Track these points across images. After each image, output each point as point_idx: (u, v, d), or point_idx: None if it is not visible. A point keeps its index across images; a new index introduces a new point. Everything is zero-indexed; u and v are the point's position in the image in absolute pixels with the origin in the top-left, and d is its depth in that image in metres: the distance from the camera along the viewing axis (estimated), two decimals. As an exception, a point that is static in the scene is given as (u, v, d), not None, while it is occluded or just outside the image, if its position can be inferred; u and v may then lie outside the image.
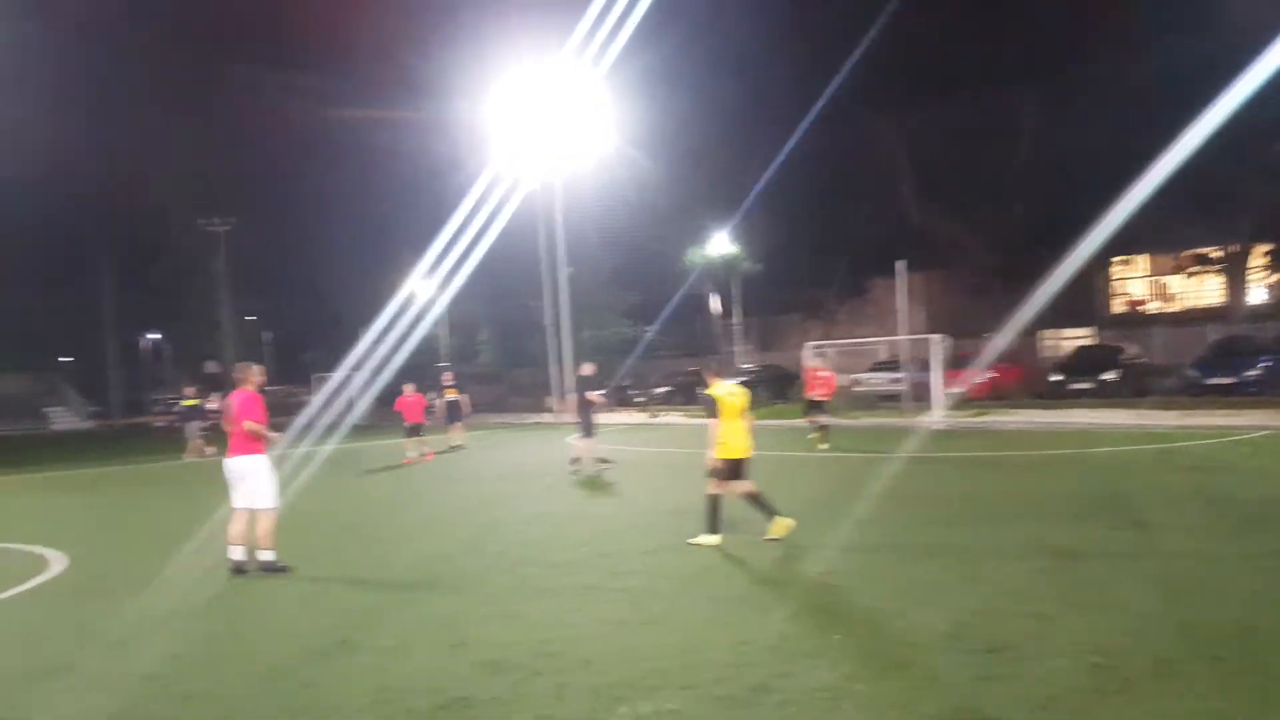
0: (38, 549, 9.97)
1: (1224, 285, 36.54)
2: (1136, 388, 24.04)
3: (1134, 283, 41.67)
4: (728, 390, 8.64)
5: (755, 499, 8.56)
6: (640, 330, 41.45)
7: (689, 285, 39.33)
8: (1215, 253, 35.93)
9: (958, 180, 35.08)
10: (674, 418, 29.21)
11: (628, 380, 37.15)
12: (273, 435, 8.26)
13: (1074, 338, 33.10)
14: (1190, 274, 38.56)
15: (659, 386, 36.91)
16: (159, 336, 67.33)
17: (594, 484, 13.87)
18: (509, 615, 6.52)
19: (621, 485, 13.49)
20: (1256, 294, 35.95)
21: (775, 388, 31.38)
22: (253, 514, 8.11)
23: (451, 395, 21.66)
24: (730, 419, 8.50)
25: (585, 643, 5.75)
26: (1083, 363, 27.38)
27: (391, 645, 5.96)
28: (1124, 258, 39.54)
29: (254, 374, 8.38)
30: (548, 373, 34.54)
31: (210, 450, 21.52)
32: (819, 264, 39.14)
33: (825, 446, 16.71)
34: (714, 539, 8.40)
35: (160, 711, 4.92)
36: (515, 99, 29.42)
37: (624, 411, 32.36)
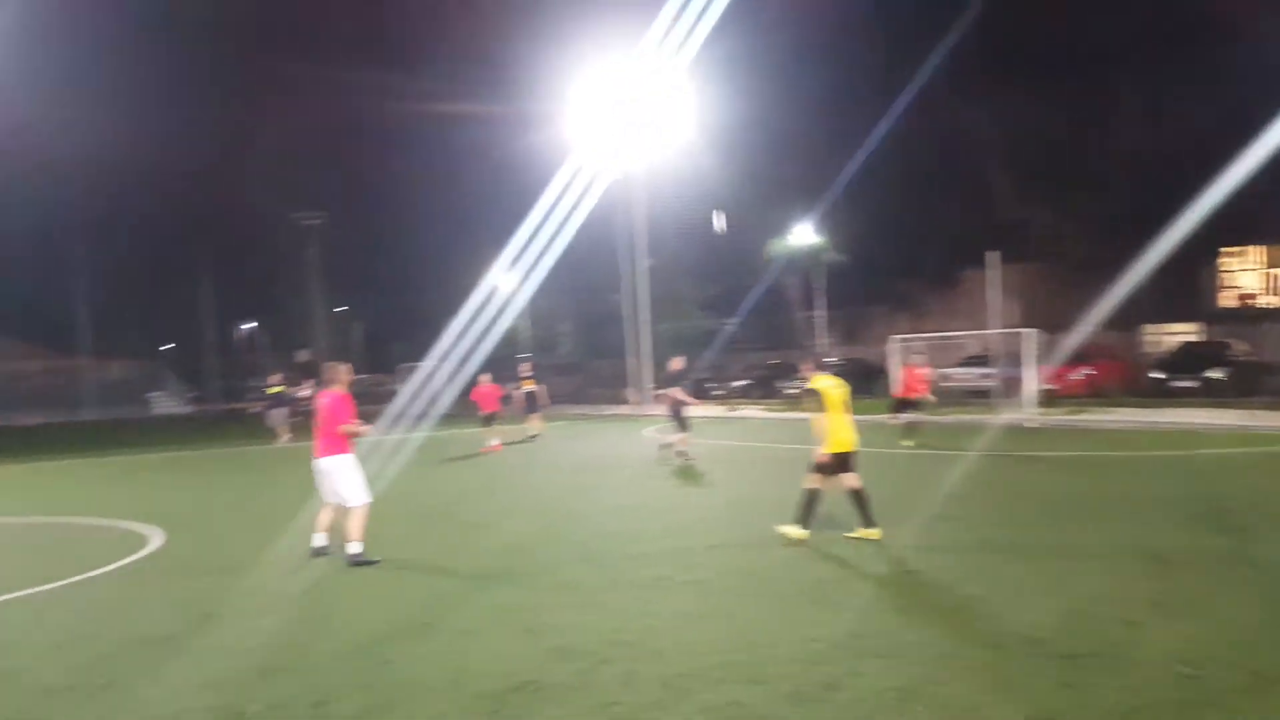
0: (137, 526, 10.50)
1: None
2: (1245, 387, 22.79)
3: (1246, 275, 39.50)
4: (831, 383, 8.44)
5: (859, 497, 8.29)
6: (719, 323, 41.23)
7: (770, 277, 38.92)
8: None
9: (1055, 167, 33.76)
10: (752, 411, 29.00)
11: (706, 373, 37.03)
12: (364, 429, 8.42)
13: (1178, 333, 31.58)
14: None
15: (738, 380, 36.66)
16: (254, 326, 70.15)
17: (671, 477, 13.87)
18: (581, 604, 6.58)
19: (698, 479, 13.46)
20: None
21: (860, 382, 30.83)
22: (341, 508, 8.25)
23: (529, 386, 21.92)
24: (835, 412, 8.29)
25: (655, 634, 5.76)
26: (1187, 360, 26.07)
27: (466, 628, 6.08)
28: (1236, 249, 37.53)
29: (342, 373, 8.50)
30: (626, 364, 34.68)
31: (286, 437, 22.27)
32: (908, 254, 38.16)
33: (910, 444, 16.35)
34: (802, 533, 8.23)
35: (248, 683, 5.12)
36: (598, 91, 29.53)
37: (701, 405, 32.25)
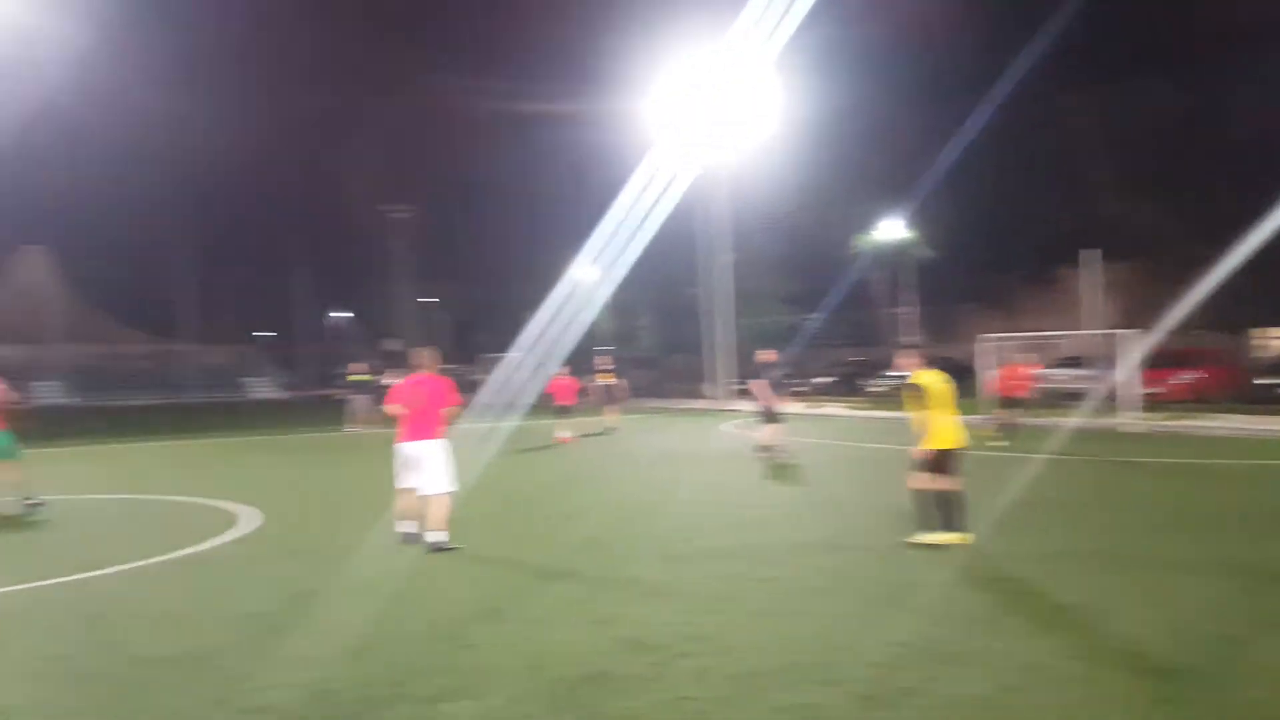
0: (233, 506, 10.92)
1: None
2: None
3: (1367, 277, 37.11)
4: (936, 378, 8.08)
5: (955, 500, 7.88)
6: (801, 318, 40.72)
7: (856, 272, 38.24)
8: None
9: (1159, 162, 32.32)
10: (834, 409, 28.58)
11: (788, 370, 36.64)
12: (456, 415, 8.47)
13: (1289, 338, 29.95)
14: None
15: (820, 376, 36.18)
16: (346, 315, 72.40)
17: (753, 473, 13.77)
18: (656, 598, 6.57)
19: (780, 477, 13.32)
20: None
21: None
22: (426, 495, 8.17)
23: (607, 379, 21.99)
24: (939, 408, 7.96)
25: (729, 630, 5.72)
26: (1299, 365, 24.69)
27: (541, 617, 6.14)
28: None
29: (431, 358, 8.52)
30: (704, 359, 34.57)
31: (364, 424, 22.75)
32: (1001, 250, 37.03)
33: (1002, 445, 15.81)
34: (955, 536, 7.74)
35: (334, 661, 5.27)
36: (682, 83, 29.39)
37: (777, 402, 31.89)
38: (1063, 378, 25.67)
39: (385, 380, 24.31)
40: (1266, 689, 4.57)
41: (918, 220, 36.42)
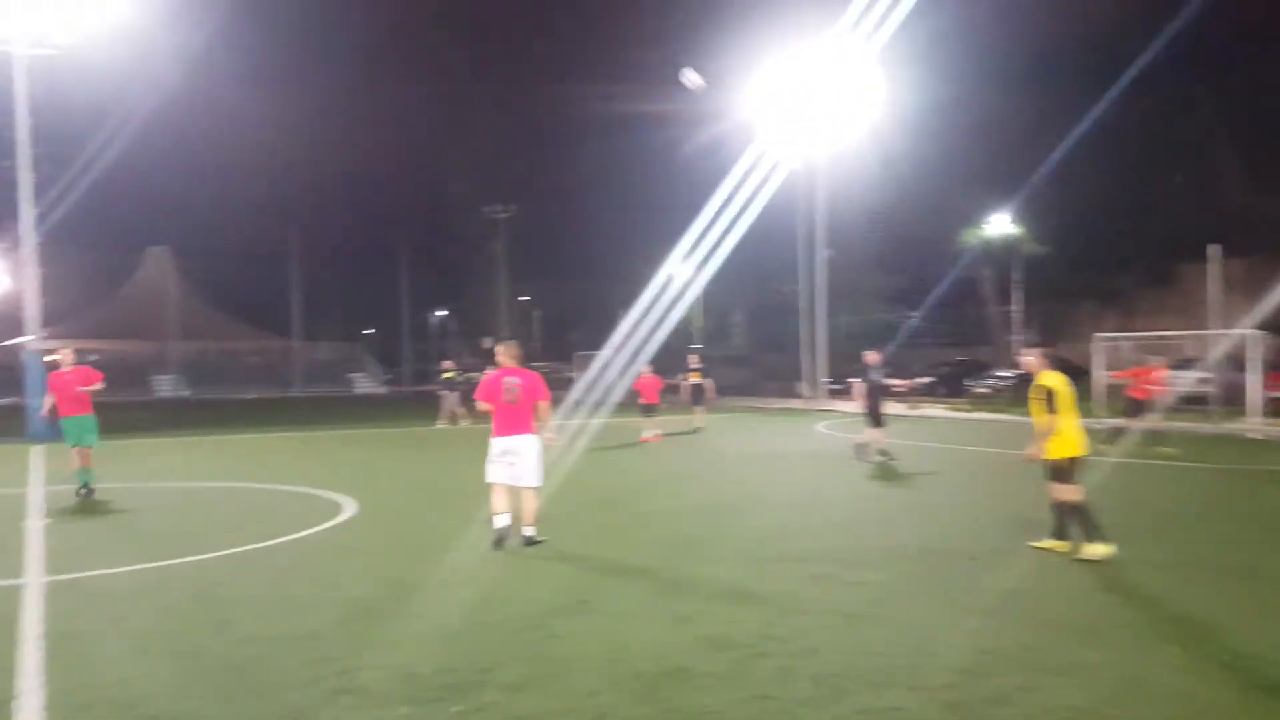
0: (335, 495, 11.34)
1: None
2: None
3: None
4: (1063, 380, 7.63)
5: (1075, 509, 7.49)
6: (902, 316, 39.78)
7: (960, 269, 37.12)
8: None
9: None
10: (935, 410, 27.84)
11: (888, 369, 35.85)
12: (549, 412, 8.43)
13: None
14: None
15: (921, 377, 35.29)
16: (445, 313, 74.33)
17: (848, 475, 13.54)
18: (740, 596, 6.52)
19: (877, 479, 13.05)
20: None
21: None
22: (518, 490, 8.18)
23: (696, 378, 21.91)
24: (1066, 412, 7.50)
25: (814, 631, 5.63)
26: None
27: (623, 610, 6.18)
28: None
29: (513, 352, 8.43)
30: (799, 358, 34.12)
31: (451, 419, 23.24)
32: (1118, 247, 35.38)
33: (1170, 453, 14.81)
34: (1104, 548, 7.28)
35: (423, 646, 5.42)
36: (782, 75, 28.88)
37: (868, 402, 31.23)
38: (1182, 381, 24.39)
39: (476, 377, 24.93)
40: (1396, 714, 4.25)
41: (1028, 215, 35.06)
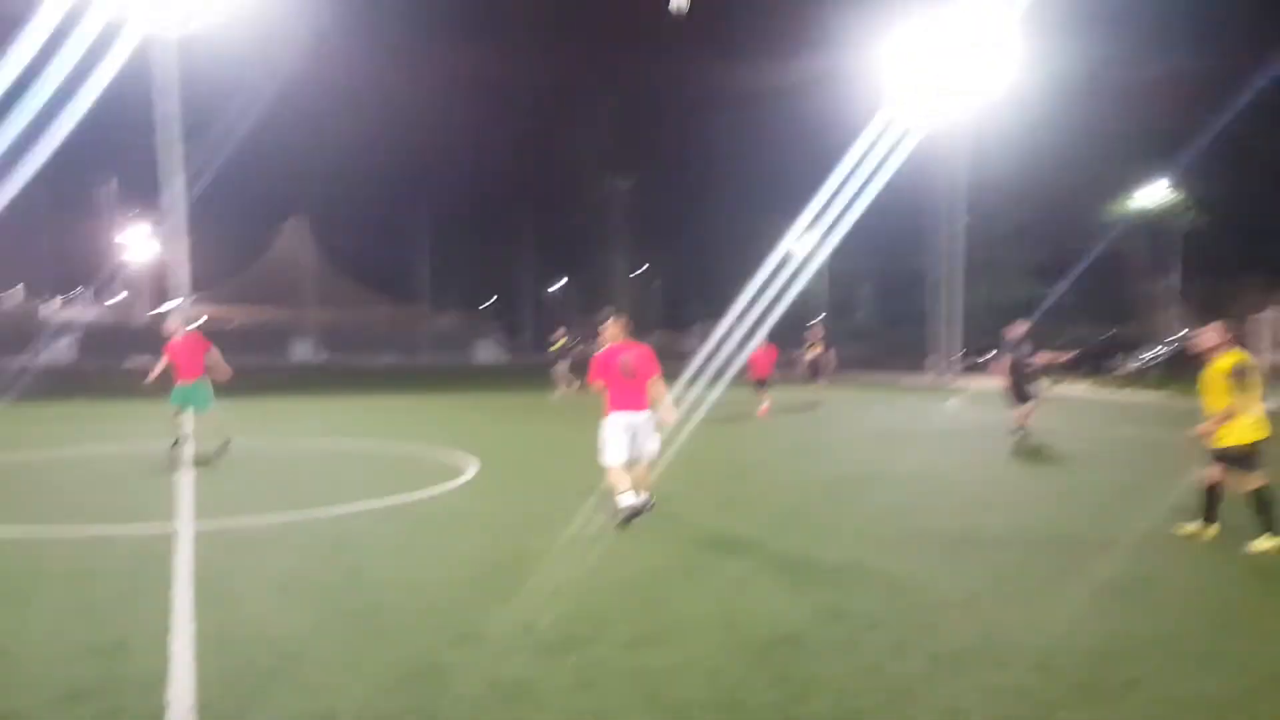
0: (458, 457, 11.76)
1: None
2: None
3: None
4: (1248, 359, 6.97)
5: (1262, 498, 6.86)
6: (1042, 290, 37.89)
7: (1110, 241, 34.98)
8: None
9: None
10: (1077, 390, 26.52)
11: (1033, 346, 34.24)
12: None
13: None
14: None
15: (1064, 352, 33.62)
16: (565, 283, 75.45)
17: (978, 454, 13.11)
18: (853, 569, 6.41)
19: (1005, 459, 12.55)
20: None
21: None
22: (635, 461, 8.02)
23: (815, 351, 21.52)
24: (1253, 394, 6.91)
25: (934, 610, 5.48)
26: None
27: (737, 576, 6.18)
28: None
29: (621, 326, 8.17)
30: (926, 332, 33.04)
31: (565, 389, 23.51)
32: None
33: None
34: (1275, 541, 6.76)
35: (538, 601, 5.57)
36: (917, 34, 27.68)
37: (1005, 379, 29.98)
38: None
39: (588, 347, 25.21)
40: None
41: (1186, 183, 32.64)
